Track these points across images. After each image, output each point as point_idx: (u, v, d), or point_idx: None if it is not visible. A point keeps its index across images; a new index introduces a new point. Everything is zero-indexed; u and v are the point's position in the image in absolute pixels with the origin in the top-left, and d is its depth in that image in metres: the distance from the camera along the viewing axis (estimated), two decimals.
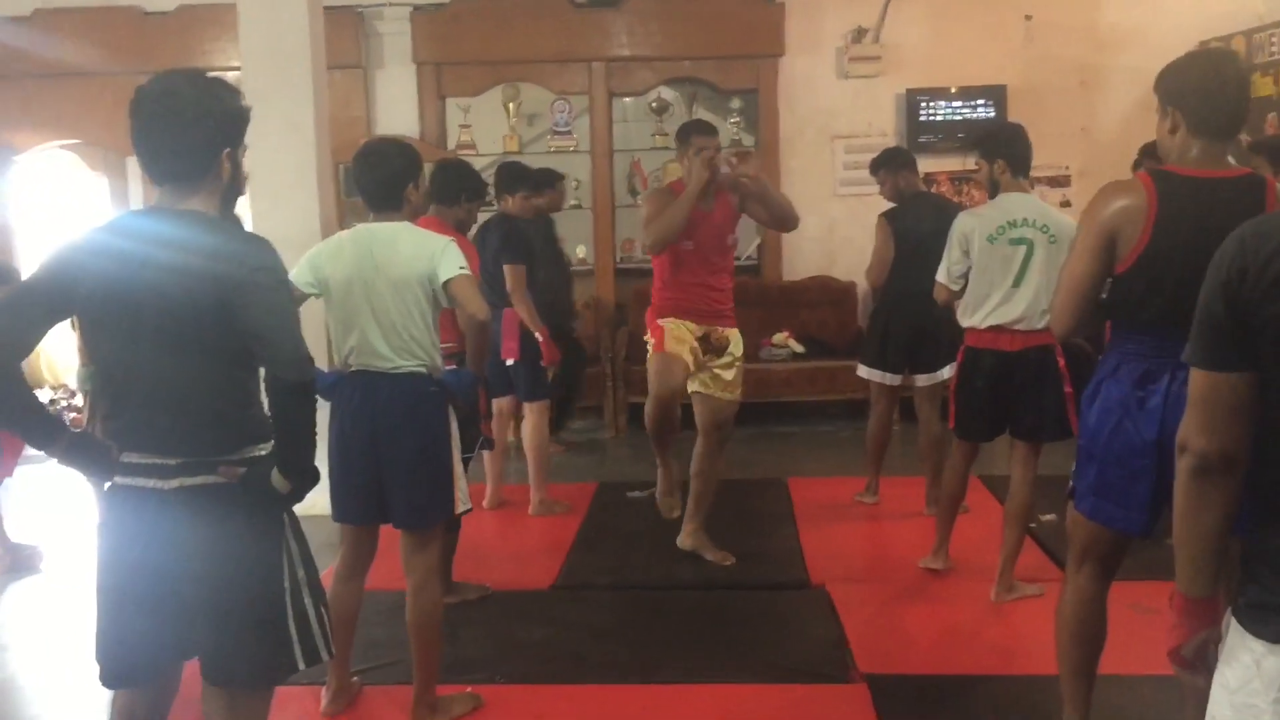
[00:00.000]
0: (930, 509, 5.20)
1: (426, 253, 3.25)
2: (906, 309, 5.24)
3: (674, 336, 4.52)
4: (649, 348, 4.63)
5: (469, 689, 3.58)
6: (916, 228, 5.19)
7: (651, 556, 4.95)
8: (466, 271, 3.26)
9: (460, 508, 3.37)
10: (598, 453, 7.35)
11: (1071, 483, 2.84)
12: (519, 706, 3.57)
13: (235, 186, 2.37)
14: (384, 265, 3.24)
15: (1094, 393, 2.76)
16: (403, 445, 3.24)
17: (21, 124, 8.00)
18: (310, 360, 2.27)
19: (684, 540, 4.86)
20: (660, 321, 4.58)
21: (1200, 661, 1.80)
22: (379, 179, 3.33)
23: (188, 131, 2.23)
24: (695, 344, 4.55)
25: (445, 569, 4.39)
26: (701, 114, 8.51)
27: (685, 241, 4.49)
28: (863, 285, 7.30)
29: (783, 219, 4.73)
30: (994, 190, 4.22)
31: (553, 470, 5.92)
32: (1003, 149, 4.19)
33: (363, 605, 3.54)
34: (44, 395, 8.05)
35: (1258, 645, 1.62)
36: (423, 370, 3.28)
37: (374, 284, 3.23)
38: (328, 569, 3.72)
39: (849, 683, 3.66)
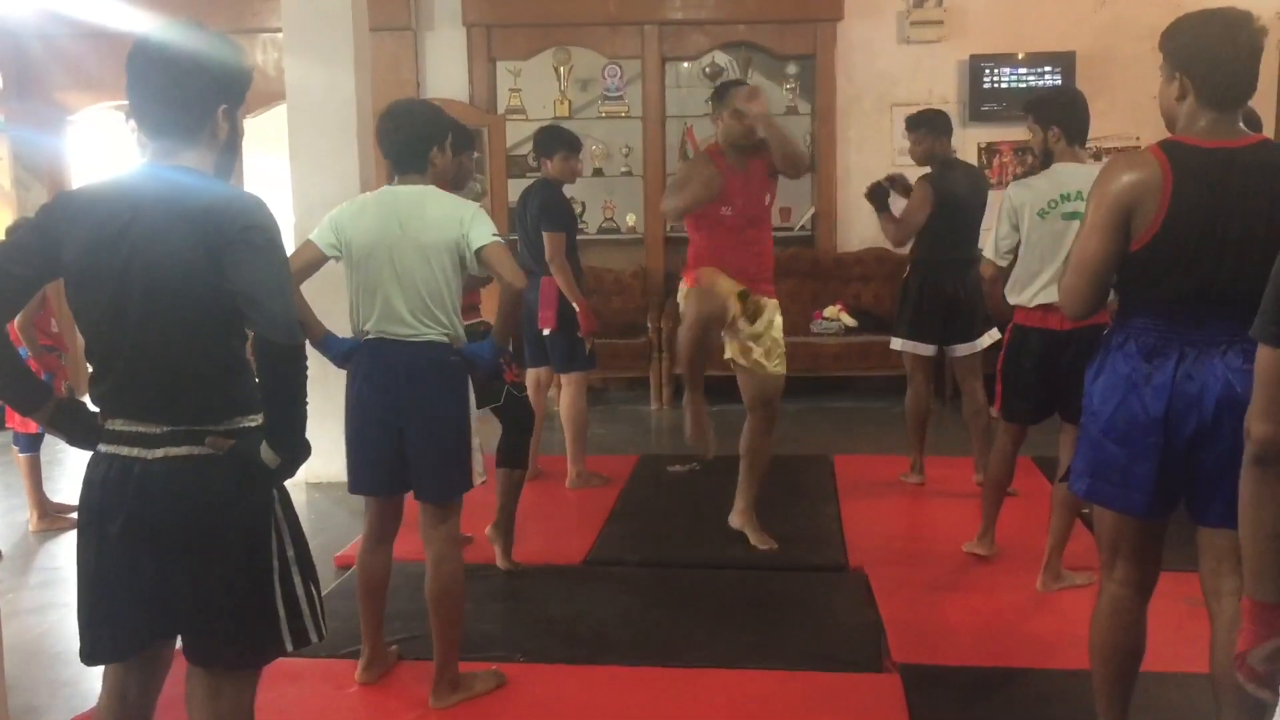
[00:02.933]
0: (979, 477, 5.05)
1: (456, 218, 3.14)
2: (940, 277, 5.11)
3: (711, 275, 4.32)
4: (683, 292, 4.47)
5: (493, 667, 3.49)
6: (955, 193, 5.04)
7: (686, 534, 4.85)
8: (500, 239, 3.15)
9: (476, 480, 3.27)
10: (641, 424, 7.24)
11: (1066, 464, 2.69)
12: (538, 686, 3.47)
13: (232, 146, 2.27)
14: (410, 229, 3.14)
15: (1100, 368, 2.61)
16: (426, 417, 3.16)
17: (72, 85, 8.04)
18: (300, 324, 2.17)
19: (733, 519, 4.74)
20: (697, 271, 4.39)
21: (1271, 673, 1.68)
22: (402, 139, 3.23)
23: (181, 83, 2.14)
24: (734, 294, 4.33)
25: (509, 511, 4.37)
26: (756, 80, 8.33)
27: (724, 208, 4.32)
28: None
29: (794, 162, 4.36)
30: (1047, 160, 4.01)
31: (593, 442, 5.80)
32: (1058, 115, 3.96)
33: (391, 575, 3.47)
34: None
35: None
36: (444, 339, 3.18)
37: (399, 248, 3.13)
38: (356, 539, 3.68)
39: (881, 672, 3.52)
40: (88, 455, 2.24)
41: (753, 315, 4.41)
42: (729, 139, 4.35)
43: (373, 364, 3.19)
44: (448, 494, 3.25)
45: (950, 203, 5.04)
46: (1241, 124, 2.49)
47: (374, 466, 3.25)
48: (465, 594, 3.33)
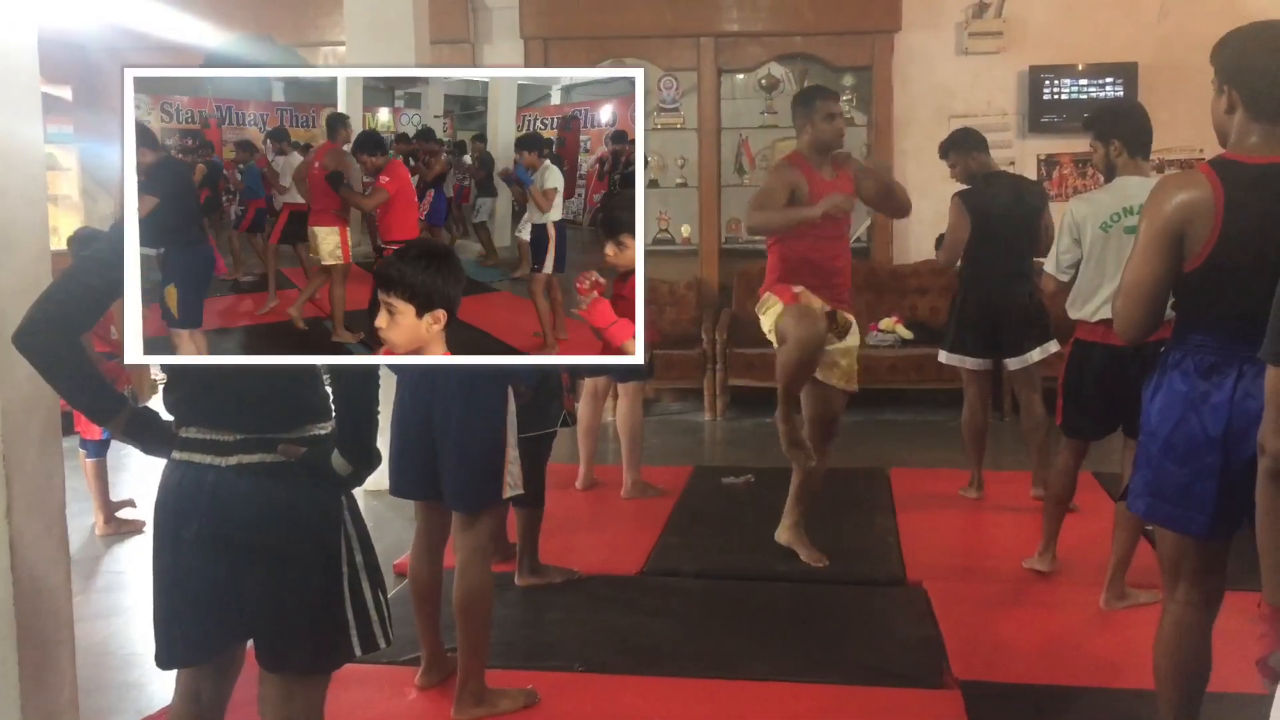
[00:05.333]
0: (1036, 490, 5.00)
1: None
2: (984, 290, 5.09)
3: (807, 294, 4.27)
4: (765, 312, 4.35)
5: (529, 686, 3.44)
6: (991, 208, 5.04)
7: (743, 545, 4.83)
8: None
9: (509, 492, 3.27)
10: (694, 435, 7.24)
11: (1125, 483, 2.66)
12: (596, 695, 3.48)
13: None
14: None
15: (1157, 387, 2.59)
16: (455, 424, 3.19)
17: None
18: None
19: (781, 534, 4.71)
20: (793, 289, 4.29)
21: None
22: None
23: None
24: (824, 313, 4.28)
25: (531, 550, 4.35)
26: None
27: None
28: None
29: (901, 208, 4.64)
30: (1110, 174, 3.98)
31: (647, 453, 5.81)
32: (1119, 128, 3.94)
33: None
34: None
35: None
36: None
37: None
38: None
39: (942, 688, 3.48)
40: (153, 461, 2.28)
41: (842, 331, 4.38)
42: (818, 144, 4.32)
43: (414, 371, 3.22)
44: (470, 502, 3.26)
45: (987, 218, 5.03)
46: None
47: (410, 470, 3.30)
48: (492, 606, 3.32)
